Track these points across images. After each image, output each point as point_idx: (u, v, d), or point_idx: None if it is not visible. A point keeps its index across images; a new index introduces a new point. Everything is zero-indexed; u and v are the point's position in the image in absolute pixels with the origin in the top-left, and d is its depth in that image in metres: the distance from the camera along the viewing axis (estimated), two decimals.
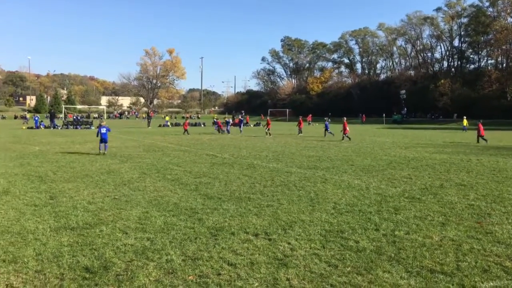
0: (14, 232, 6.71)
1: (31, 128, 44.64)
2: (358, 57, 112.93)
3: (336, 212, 8.13)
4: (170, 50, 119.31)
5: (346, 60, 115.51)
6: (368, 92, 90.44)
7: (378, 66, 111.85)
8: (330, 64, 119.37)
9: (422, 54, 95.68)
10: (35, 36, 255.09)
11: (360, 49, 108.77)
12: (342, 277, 4.98)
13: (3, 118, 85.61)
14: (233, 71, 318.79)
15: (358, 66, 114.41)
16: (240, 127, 39.45)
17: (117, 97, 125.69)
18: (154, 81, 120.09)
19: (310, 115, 67.31)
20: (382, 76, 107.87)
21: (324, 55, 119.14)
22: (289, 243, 6.20)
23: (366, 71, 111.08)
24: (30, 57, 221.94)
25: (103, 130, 18.62)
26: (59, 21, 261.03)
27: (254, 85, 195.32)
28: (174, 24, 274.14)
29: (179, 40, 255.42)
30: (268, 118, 41.57)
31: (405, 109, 74.69)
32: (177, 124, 56.79)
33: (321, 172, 13.29)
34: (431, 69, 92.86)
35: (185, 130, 35.23)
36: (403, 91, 76.31)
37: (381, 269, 5.20)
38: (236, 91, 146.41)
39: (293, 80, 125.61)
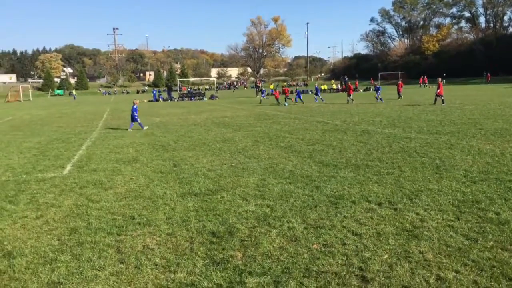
0: (146, 197, 7.21)
1: (151, 101, 48.25)
2: (481, 10, 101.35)
3: (468, 180, 7.36)
4: (275, 18, 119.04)
5: (467, 14, 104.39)
6: (494, 48, 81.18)
7: (506, 18, 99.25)
8: (448, 19, 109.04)
9: None
10: (151, 17, 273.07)
11: (484, 0, 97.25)
12: (485, 252, 4.44)
13: (127, 93, 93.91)
14: (339, 35, 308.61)
15: (482, 19, 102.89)
16: (318, 95, 35.02)
17: (225, 69, 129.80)
18: (260, 50, 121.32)
19: (425, 76, 62.43)
20: (511, 30, 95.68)
21: (441, 10, 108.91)
22: (417, 214, 5.73)
23: (491, 25, 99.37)
24: (147, 35, 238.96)
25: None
26: (169, 1, 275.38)
27: (362, 49, 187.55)
28: None
29: (284, 7, 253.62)
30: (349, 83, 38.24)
31: None
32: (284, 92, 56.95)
33: (445, 137, 12.21)
34: None
35: (277, 99, 32.55)
36: None
37: None
38: (343, 56, 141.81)
39: (406, 41, 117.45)
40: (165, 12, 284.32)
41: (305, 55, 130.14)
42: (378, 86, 32.27)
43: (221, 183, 7.98)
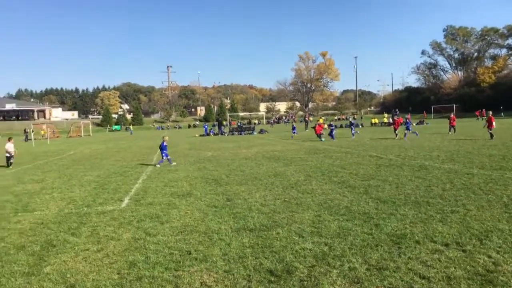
0: (201, 231, 7.23)
1: (203, 135, 49.39)
2: None
3: None
4: (323, 53, 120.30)
5: None
6: None
7: None
8: (504, 50, 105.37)
9: None
10: (202, 54, 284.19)
11: None
12: None
13: (180, 128, 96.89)
14: (389, 68, 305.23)
15: None
16: (352, 130, 33.42)
17: (274, 103, 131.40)
18: (309, 84, 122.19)
19: (483, 109, 59.95)
20: None
21: (496, 41, 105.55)
22: (489, 256, 5.33)
23: None
24: (199, 72, 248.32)
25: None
26: (220, 40, 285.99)
27: (413, 81, 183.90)
28: (326, 26, 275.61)
29: (332, 41, 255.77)
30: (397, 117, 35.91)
31: None
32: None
33: (511, 174, 11.49)
34: None
35: (318, 135, 30.65)
36: None
37: None
38: (393, 89, 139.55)
39: (459, 73, 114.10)
40: (216, 50, 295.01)
41: (354, 88, 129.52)
42: (408, 120, 32.25)
43: (275, 218, 7.87)
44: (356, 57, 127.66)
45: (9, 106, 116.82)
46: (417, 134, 29.26)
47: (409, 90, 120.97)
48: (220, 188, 11.57)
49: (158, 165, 17.52)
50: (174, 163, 17.95)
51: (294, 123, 39.91)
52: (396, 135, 28.90)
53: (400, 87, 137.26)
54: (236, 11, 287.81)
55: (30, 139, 50.19)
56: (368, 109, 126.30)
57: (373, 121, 58.47)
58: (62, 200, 10.78)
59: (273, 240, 6.48)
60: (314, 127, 33.89)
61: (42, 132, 52.15)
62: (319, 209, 8.48)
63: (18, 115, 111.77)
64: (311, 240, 6.39)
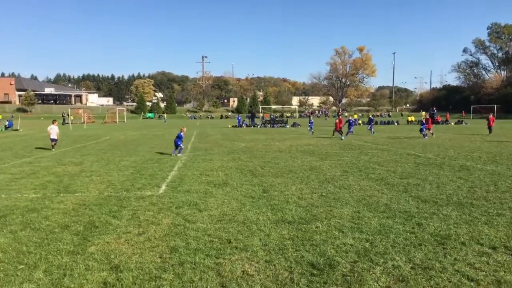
0: (239, 221, 7.23)
1: (235, 126, 49.57)
2: None
3: None
4: (360, 47, 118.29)
5: None
6: None
7: None
8: None
9: None
10: (237, 46, 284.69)
11: None
12: None
13: (212, 118, 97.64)
14: (427, 65, 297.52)
15: None
16: (370, 128, 32.76)
17: (307, 97, 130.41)
18: (343, 79, 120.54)
19: None
20: None
21: None
22: None
23: None
24: (233, 63, 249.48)
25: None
26: (255, 31, 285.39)
27: (452, 80, 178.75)
28: (364, 20, 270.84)
29: (370, 36, 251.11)
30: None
31: None
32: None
33: None
34: None
35: (337, 131, 27.78)
36: None
37: None
38: (431, 87, 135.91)
39: (502, 72, 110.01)
40: (250, 41, 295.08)
41: (390, 85, 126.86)
42: (371, 117, 32.33)
43: (313, 212, 7.79)
44: (394, 53, 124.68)
45: (48, 90, 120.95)
46: (425, 136, 27.04)
47: (448, 89, 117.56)
48: (256, 179, 11.56)
49: (178, 154, 17.60)
50: (180, 155, 17.59)
51: (311, 118, 35.86)
52: (433, 134, 27.95)
53: (439, 85, 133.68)
54: (273, 3, 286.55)
55: (68, 123, 51.73)
56: (404, 106, 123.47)
57: (409, 119, 57.09)
58: (102, 183, 11.04)
59: (313, 234, 6.42)
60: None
61: (71, 118, 53.38)
62: (357, 205, 8.34)
63: (56, 99, 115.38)
64: (351, 236, 6.29)
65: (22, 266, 5.18)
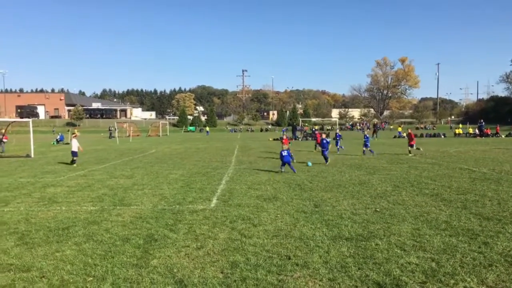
0: (296, 237, 7.16)
1: (276, 139, 49.53)
2: None
3: None
4: (402, 58, 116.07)
5: None
6: None
7: None
8: None
9: None
10: (276, 59, 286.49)
11: None
12: None
13: (252, 131, 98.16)
14: (473, 76, 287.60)
15: None
16: (337, 144, 27.09)
17: (347, 109, 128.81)
18: (385, 91, 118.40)
19: None
20: None
21: None
22: None
23: None
24: (273, 77, 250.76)
25: (284, 153, 16.43)
26: (294, 44, 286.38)
27: (500, 91, 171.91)
28: (406, 31, 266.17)
29: (412, 47, 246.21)
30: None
31: None
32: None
33: None
34: None
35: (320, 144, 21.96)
36: None
37: None
38: (478, 98, 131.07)
39: None
40: (290, 54, 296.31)
41: (434, 96, 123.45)
42: (338, 133, 27.83)
43: (370, 229, 7.61)
44: (438, 64, 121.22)
45: (95, 105, 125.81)
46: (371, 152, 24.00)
47: (496, 100, 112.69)
48: (305, 194, 11.46)
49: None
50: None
51: (366, 132, 27.43)
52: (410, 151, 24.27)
53: (486, 96, 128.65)
54: (312, 15, 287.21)
55: (114, 137, 53.43)
56: (449, 118, 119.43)
57: (457, 131, 55.08)
58: (154, 196, 11.27)
59: (374, 251, 6.25)
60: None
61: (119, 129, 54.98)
62: (416, 222, 8.08)
63: (103, 114, 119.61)
64: (415, 255, 6.07)
65: (91, 278, 5.33)
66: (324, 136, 21.33)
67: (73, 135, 21.56)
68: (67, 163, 20.69)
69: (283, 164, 16.47)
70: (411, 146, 23.90)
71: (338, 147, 27.06)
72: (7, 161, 22.65)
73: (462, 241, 6.74)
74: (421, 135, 54.40)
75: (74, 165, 19.79)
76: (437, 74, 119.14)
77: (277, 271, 5.50)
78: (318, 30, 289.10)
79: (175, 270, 5.58)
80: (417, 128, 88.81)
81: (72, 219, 8.63)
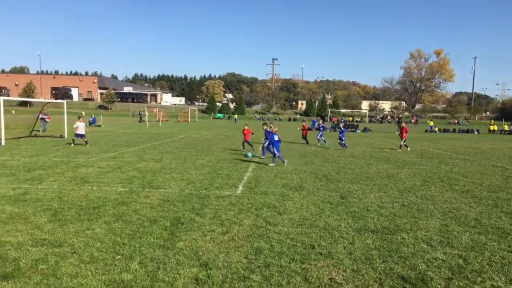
0: (320, 226, 7.16)
1: (309, 129, 49.21)
2: None
3: None
4: (437, 51, 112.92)
5: None
6: None
7: None
8: None
9: None
10: (307, 48, 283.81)
11: None
12: None
13: (280, 120, 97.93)
14: (511, 72, 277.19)
15: None
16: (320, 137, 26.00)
17: (377, 101, 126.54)
18: (418, 84, 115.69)
19: None
20: None
21: None
22: None
23: None
24: (303, 66, 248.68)
25: (276, 138, 15.42)
26: (326, 34, 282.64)
27: None
28: (440, 24, 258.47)
29: (448, 39, 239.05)
30: None
31: None
32: (445, 130, 53.03)
33: None
34: None
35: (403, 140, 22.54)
36: None
37: None
38: None
39: None
40: (320, 43, 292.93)
41: (469, 91, 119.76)
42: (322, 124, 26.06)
43: (397, 222, 7.52)
44: (475, 58, 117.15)
45: (126, 89, 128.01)
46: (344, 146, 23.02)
47: None
48: (331, 185, 11.40)
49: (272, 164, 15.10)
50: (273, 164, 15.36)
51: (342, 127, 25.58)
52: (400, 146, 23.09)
53: None
54: (345, 4, 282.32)
55: (144, 121, 54.35)
56: (484, 114, 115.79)
57: (491, 127, 53.35)
58: (182, 181, 11.45)
59: (399, 245, 6.19)
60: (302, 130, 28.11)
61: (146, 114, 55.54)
62: (444, 218, 7.94)
63: (134, 98, 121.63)
64: (442, 250, 5.98)
65: (119, 256, 5.49)
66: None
67: (79, 118, 22.27)
68: (97, 145, 21.24)
69: (274, 155, 15.18)
70: (404, 140, 22.66)
71: (319, 137, 25.90)
72: (42, 140, 23.42)
73: (492, 239, 6.59)
74: (454, 130, 53.08)
75: (72, 145, 20.55)
76: (473, 68, 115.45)
77: (300, 259, 5.52)
78: (351, 20, 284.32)
79: (200, 253, 5.68)
80: (449, 123, 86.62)
81: (102, 199, 8.88)
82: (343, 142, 22.90)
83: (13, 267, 5.10)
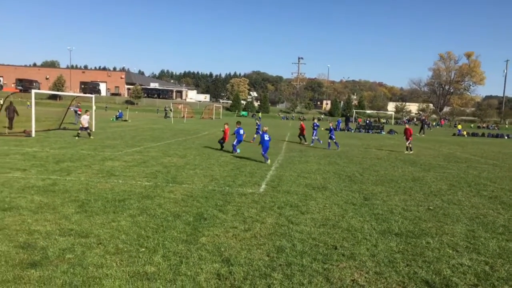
0: (343, 227, 7.11)
1: (327, 129, 48.84)
2: None
3: None
4: (468, 53, 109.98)
5: None
6: None
7: None
8: None
9: None
10: (333, 47, 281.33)
11: None
12: None
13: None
14: None
15: None
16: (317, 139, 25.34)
17: (404, 103, 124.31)
18: (447, 86, 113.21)
19: None
20: None
21: None
22: None
23: None
24: (329, 65, 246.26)
25: (266, 137, 15.82)
26: (353, 33, 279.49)
27: None
28: (472, 26, 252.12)
29: (479, 41, 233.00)
30: None
31: None
32: (474, 134, 51.73)
33: None
34: None
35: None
36: None
37: None
38: None
39: None
40: (347, 43, 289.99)
41: (499, 94, 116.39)
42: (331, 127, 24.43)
43: (422, 226, 7.40)
44: (507, 61, 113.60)
45: (153, 85, 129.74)
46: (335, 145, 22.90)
47: None
48: (355, 186, 11.30)
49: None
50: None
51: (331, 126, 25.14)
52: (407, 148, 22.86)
53: None
54: (373, 5, 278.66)
55: (169, 117, 54.98)
56: None
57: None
58: (205, 177, 11.54)
59: (424, 249, 6.09)
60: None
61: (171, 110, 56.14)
62: (471, 223, 7.76)
63: (160, 94, 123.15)
64: (468, 256, 5.86)
65: (143, 249, 5.58)
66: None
67: (87, 112, 23.21)
68: (123, 139, 21.62)
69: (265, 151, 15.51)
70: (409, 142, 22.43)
71: (313, 138, 25.27)
72: (71, 133, 23.97)
73: None
74: (483, 135, 51.76)
75: (76, 138, 21.16)
76: (505, 71, 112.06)
77: (322, 260, 5.50)
78: (379, 20, 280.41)
79: (222, 249, 5.72)
80: (478, 127, 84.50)
81: (127, 192, 9.04)
82: (334, 140, 22.89)
83: (41, 255, 5.25)
